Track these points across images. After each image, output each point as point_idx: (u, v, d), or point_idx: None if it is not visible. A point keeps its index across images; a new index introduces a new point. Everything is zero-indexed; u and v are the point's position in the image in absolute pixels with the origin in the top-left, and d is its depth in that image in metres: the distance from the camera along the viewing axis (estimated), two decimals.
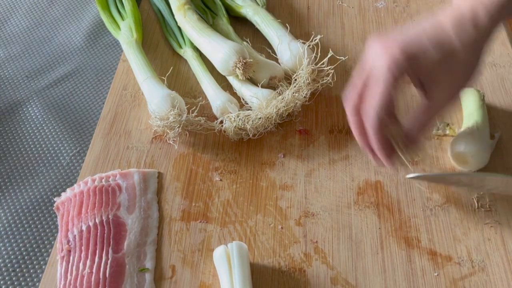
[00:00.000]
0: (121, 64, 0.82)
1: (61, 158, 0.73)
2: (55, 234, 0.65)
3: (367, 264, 0.61)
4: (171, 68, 0.81)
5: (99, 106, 0.79)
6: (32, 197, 0.69)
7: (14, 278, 0.62)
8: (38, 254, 0.64)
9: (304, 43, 0.76)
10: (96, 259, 0.59)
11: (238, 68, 0.72)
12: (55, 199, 0.66)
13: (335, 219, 0.65)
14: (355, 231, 0.64)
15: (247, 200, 0.67)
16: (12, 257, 0.63)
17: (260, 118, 0.70)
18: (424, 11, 0.91)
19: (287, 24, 0.82)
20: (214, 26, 0.83)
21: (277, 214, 0.65)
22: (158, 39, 0.86)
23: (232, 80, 0.76)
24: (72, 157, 0.73)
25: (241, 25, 0.87)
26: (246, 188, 0.68)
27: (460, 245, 0.63)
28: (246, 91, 0.73)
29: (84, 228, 0.61)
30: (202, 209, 0.66)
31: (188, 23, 0.78)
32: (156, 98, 0.70)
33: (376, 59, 0.54)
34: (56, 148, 0.74)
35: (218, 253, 0.58)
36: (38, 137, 0.75)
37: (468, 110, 0.72)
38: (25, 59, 0.86)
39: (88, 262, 0.59)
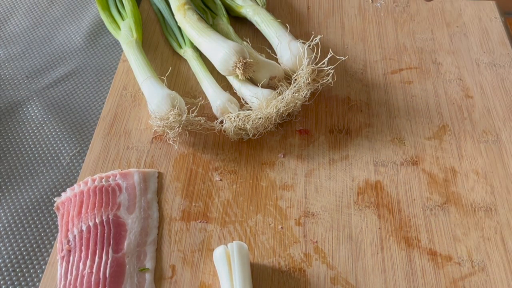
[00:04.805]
0: (121, 64, 0.82)
1: (61, 158, 0.73)
2: (55, 234, 0.65)
3: (367, 264, 0.61)
4: (171, 68, 0.81)
5: (99, 106, 0.79)
6: (32, 197, 0.69)
7: (14, 278, 0.62)
8: (38, 254, 0.64)
9: (304, 43, 0.76)
10: (96, 259, 0.59)
11: (238, 68, 0.71)
12: (55, 199, 0.66)
13: (335, 219, 0.65)
14: (355, 231, 0.64)
15: (247, 200, 0.67)
16: (12, 257, 0.63)
17: (260, 118, 0.70)
18: (424, 11, 0.91)
19: (287, 24, 0.82)
20: (214, 26, 0.83)
21: (277, 214, 0.65)
22: (158, 39, 0.86)
23: (232, 80, 0.76)
24: (72, 157, 0.73)
25: (241, 25, 0.87)
26: (246, 188, 0.68)
27: (460, 245, 0.63)
28: (246, 91, 0.73)
29: (84, 228, 0.61)
30: (202, 209, 0.66)
31: (188, 23, 0.78)
32: (156, 98, 0.70)
33: None
34: (56, 148, 0.74)
35: (218, 253, 0.58)
36: (38, 137, 0.75)
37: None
38: (25, 59, 0.86)
39: (88, 262, 0.59)
